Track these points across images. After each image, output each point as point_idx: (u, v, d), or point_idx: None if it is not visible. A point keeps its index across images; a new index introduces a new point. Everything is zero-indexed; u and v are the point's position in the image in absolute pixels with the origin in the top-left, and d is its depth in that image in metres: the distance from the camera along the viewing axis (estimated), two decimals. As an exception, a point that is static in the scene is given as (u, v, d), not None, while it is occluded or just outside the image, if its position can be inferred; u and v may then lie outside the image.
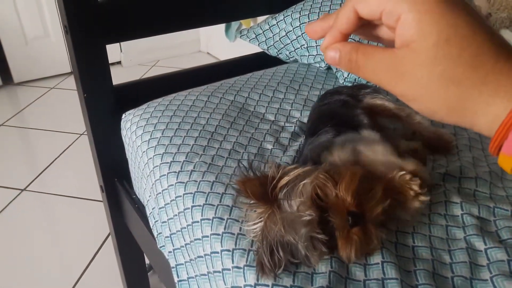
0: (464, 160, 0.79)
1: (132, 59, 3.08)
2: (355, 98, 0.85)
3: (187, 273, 0.75)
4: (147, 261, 1.29)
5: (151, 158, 0.86)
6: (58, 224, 1.67)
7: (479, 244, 0.62)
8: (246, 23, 2.35)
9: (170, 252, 0.79)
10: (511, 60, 0.28)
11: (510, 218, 0.65)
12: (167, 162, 0.82)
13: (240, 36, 1.29)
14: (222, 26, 2.62)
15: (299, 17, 1.15)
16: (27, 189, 1.84)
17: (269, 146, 0.85)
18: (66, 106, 2.56)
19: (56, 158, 2.05)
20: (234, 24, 2.49)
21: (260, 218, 0.57)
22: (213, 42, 3.22)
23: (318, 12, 1.13)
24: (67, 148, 2.13)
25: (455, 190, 0.72)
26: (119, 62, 3.08)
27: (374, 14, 0.31)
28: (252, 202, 0.57)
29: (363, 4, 0.31)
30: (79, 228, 1.61)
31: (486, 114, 0.29)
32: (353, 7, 0.32)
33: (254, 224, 0.58)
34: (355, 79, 1.06)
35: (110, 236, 1.53)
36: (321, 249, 0.56)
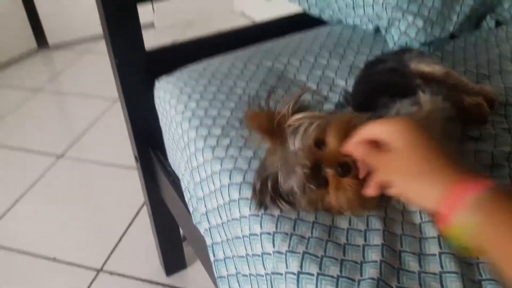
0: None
1: (164, 19, 3.01)
2: (402, 64, 0.78)
3: (224, 253, 0.72)
4: (181, 230, 1.29)
5: (185, 130, 0.82)
6: (95, 191, 1.69)
7: None
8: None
9: (206, 230, 0.76)
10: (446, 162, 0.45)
11: None
12: (203, 136, 0.77)
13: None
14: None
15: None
16: (64, 155, 1.87)
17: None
18: (102, 70, 2.55)
19: (92, 124, 2.06)
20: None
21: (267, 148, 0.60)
22: (248, 0, 3.09)
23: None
24: (103, 113, 2.13)
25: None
26: (152, 25, 3.03)
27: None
28: (259, 136, 0.60)
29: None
30: (115, 195, 1.62)
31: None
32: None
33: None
34: (406, 42, 0.96)
35: (145, 205, 1.54)
36: (310, 196, 0.57)
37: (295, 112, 0.60)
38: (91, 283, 1.30)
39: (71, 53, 2.82)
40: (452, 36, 0.98)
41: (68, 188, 1.70)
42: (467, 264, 0.53)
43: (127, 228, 1.49)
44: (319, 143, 0.55)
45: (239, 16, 3.16)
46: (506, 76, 0.86)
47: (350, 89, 0.86)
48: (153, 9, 2.98)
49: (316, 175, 0.55)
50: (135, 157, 1.14)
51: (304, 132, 0.56)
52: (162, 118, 0.97)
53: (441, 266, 0.53)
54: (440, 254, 0.54)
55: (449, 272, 0.52)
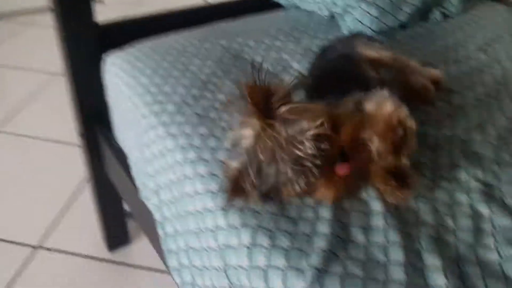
0: (471, 123, 0.75)
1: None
2: (352, 50, 0.80)
3: (174, 228, 0.71)
4: (126, 206, 1.26)
5: (137, 106, 0.80)
6: (33, 166, 1.60)
7: (483, 210, 0.59)
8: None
9: (155, 205, 0.75)
10: None
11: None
12: (155, 112, 0.76)
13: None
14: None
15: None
16: (0, 130, 1.75)
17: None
18: (45, 44, 2.40)
19: (31, 99, 1.95)
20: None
21: (254, 130, 0.54)
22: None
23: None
24: (44, 88, 2.01)
25: (459, 153, 0.69)
26: (101, 0, 2.88)
27: None
28: (250, 110, 0.54)
29: None
30: (56, 171, 1.54)
31: None
32: None
33: (246, 134, 0.55)
34: (359, 30, 0.99)
35: (87, 182, 1.48)
36: (308, 179, 0.53)
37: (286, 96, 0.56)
38: (27, 260, 1.24)
39: (13, 24, 2.63)
40: (403, 26, 1.02)
41: (4, 163, 1.60)
42: (409, 236, 0.56)
43: (68, 204, 1.43)
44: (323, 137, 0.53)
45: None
46: (450, 65, 0.91)
47: (304, 71, 0.88)
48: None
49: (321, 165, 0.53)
50: (80, 133, 1.10)
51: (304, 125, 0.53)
52: (111, 93, 0.94)
53: (386, 238, 0.56)
54: (385, 226, 0.57)
55: (392, 243, 0.55)
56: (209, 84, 0.81)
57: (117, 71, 0.90)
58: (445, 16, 1.10)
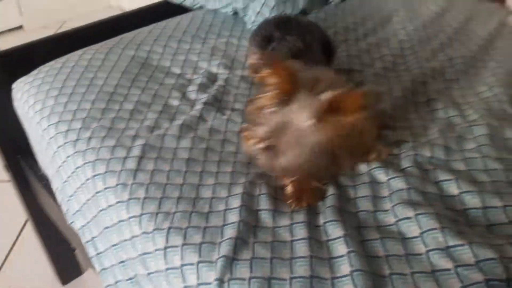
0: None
1: (34, 21, 2.77)
2: None
3: (97, 248, 0.70)
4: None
5: (45, 129, 0.78)
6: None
7: (381, 177, 0.63)
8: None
9: (79, 228, 0.74)
10: None
11: (411, 149, 0.67)
12: (62, 132, 0.75)
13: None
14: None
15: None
16: None
17: (175, 102, 0.80)
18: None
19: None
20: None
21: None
22: (125, -6, 2.97)
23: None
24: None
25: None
26: (20, 27, 2.76)
27: None
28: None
29: None
30: (0, 211, 1.49)
31: None
32: None
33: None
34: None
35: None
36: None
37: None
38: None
39: None
40: (304, 12, 1.06)
41: None
42: (313, 213, 0.59)
43: (14, 243, 1.38)
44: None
45: (118, 11, 3.03)
46: (350, 45, 0.96)
47: (213, 70, 0.89)
48: (20, 11, 2.73)
49: None
50: (5, 167, 1.06)
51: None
52: (24, 121, 0.91)
53: (291, 218, 0.58)
54: (291, 212, 0.59)
55: (298, 223, 0.58)
56: (116, 95, 0.81)
57: (25, 98, 0.88)
58: (344, -1, 1.15)
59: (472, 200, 0.58)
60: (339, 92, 0.55)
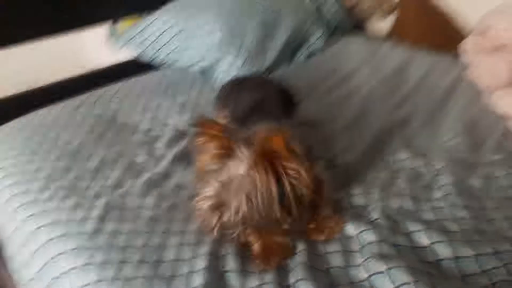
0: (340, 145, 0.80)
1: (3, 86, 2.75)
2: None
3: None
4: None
5: (1, 190, 0.74)
6: None
7: (351, 230, 0.62)
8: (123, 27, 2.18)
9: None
10: None
11: (379, 200, 0.67)
12: (18, 193, 0.71)
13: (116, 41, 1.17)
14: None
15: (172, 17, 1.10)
16: None
17: (141, 159, 0.78)
18: None
19: None
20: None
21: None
22: (97, 54, 3.01)
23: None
24: None
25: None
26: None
27: None
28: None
29: None
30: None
31: None
32: None
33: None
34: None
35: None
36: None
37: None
38: None
39: None
40: (269, 70, 1.09)
41: None
42: (283, 270, 0.56)
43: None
44: None
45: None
46: (314, 100, 0.97)
47: (181, 126, 0.88)
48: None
49: None
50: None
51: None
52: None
53: (261, 279, 0.55)
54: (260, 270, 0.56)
55: (267, 283, 0.55)
56: (79, 154, 0.79)
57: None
58: (310, 54, 1.19)
59: (443, 250, 0.57)
60: (261, 136, 0.55)
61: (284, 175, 0.54)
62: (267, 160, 0.54)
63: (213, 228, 0.56)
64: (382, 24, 1.45)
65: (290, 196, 0.54)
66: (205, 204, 0.55)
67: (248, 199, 0.53)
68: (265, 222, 0.55)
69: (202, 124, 0.59)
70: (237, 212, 0.53)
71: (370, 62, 1.16)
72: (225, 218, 0.54)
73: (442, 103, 0.96)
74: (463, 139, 0.82)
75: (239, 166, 0.55)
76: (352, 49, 1.23)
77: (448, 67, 1.11)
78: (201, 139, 0.58)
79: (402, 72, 1.11)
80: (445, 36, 1.34)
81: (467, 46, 1.09)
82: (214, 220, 0.55)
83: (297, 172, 0.54)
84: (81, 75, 1.17)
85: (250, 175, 0.54)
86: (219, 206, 0.55)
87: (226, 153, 0.56)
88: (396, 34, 1.39)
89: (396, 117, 0.91)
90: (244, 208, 0.53)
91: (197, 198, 0.56)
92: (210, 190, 0.55)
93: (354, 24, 1.39)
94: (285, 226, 0.57)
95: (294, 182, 0.54)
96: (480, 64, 1.02)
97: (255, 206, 0.53)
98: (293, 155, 0.55)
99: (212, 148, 0.58)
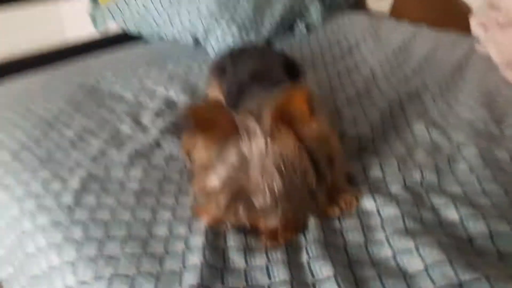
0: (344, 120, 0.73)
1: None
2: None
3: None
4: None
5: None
6: None
7: (368, 204, 0.54)
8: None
9: (5, 279, 0.58)
10: None
11: (398, 172, 0.59)
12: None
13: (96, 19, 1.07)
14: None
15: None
16: None
17: (126, 129, 0.70)
18: None
19: None
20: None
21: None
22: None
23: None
24: None
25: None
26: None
27: None
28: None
29: None
30: None
31: None
32: None
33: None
34: (224, 49, 0.95)
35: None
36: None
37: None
38: None
39: None
40: (268, 41, 1.01)
41: None
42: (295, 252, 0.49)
43: None
44: None
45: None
46: (319, 71, 0.90)
47: (171, 96, 0.80)
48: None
49: None
50: None
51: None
52: None
53: (267, 258, 0.47)
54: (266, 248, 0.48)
55: (275, 262, 0.47)
56: (57, 123, 0.70)
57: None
58: (311, 27, 1.11)
59: (476, 226, 0.50)
60: (279, 99, 0.46)
61: (309, 138, 0.46)
62: (287, 123, 0.46)
63: (240, 220, 0.47)
64: (382, 2, 1.38)
65: (321, 160, 0.46)
66: (221, 200, 0.46)
67: (280, 172, 0.44)
68: (300, 197, 0.47)
69: (194, 113, 0.47)
70: (272, 192, 0.44)
71: (374, 36, 1.09)
72: (256, 203, 0.45)
73: (455, 77, 0.89)
74: (482, 112, 0.75)
75: (252, 140, 0.46)
76: (354, 24, 1.16)
77: (454, 42, 1.05)
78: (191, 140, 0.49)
79: (408, 46, 1.04)
80: (447, 14, 1.28)
81: (478, 20, 1.02)
82: (240, 211, 0.46)
83: (322, 134, 0.46)
84: (66, 47, 1.06)
85: (272, 146, 0.45)
86: (239, 194, 0.45)
87: (225, 135, 0.47)
88: (397, 11, 1.32)
89: (406, 90, 0.83)
90: (279, 184, 0.44)
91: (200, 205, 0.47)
92: (217, 181, 0.45)
93: (354, 0, 1.32)
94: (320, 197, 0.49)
95: (320, 145, 0.46)
96: (494, 39, 0.96)
97: (289, 180, 0.44)
98: (316, 114, 0.46)
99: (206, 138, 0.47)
